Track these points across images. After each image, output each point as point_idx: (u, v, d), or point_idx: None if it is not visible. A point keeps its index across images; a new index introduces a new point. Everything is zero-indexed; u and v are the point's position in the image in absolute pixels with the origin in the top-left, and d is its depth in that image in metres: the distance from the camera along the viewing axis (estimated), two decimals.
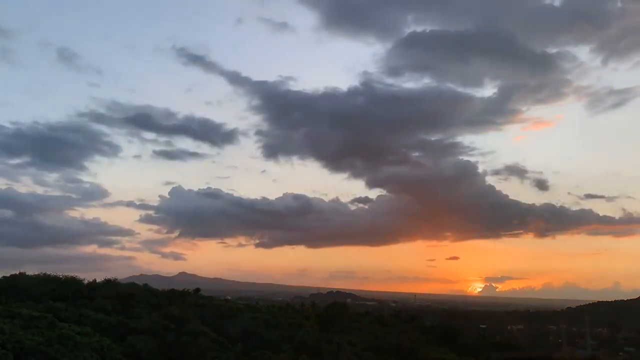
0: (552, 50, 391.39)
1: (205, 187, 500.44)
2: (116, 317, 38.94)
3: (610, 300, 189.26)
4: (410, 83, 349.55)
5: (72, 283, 48.27)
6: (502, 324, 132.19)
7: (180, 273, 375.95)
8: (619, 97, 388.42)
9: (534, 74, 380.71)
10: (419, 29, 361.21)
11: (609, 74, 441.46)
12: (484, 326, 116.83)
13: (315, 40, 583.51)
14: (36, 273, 48.85)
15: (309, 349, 40.60)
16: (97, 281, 51.75)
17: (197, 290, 58.37)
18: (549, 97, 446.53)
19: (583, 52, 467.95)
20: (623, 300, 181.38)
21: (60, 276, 49.00)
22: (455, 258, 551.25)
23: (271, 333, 44.12)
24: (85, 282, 50.26)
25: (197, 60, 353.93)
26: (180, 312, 41.32)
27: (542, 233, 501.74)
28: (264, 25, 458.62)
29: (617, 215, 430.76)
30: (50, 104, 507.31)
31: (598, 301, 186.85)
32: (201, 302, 53.20)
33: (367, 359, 44.34)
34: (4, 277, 47.40)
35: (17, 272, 48.15)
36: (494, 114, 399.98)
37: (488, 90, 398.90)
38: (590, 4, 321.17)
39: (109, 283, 52.06)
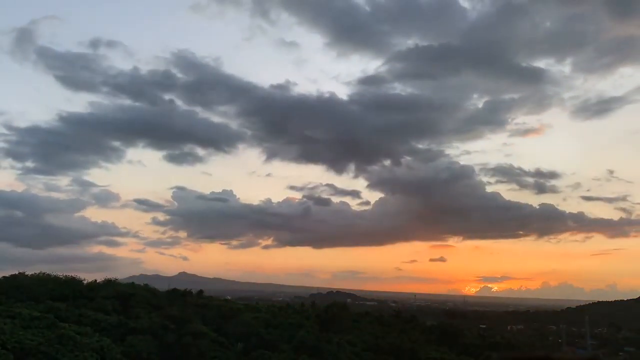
0: (542, 64, 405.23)
1: (211, 190, 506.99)
2: (116, 317, 38.95)
3: (610, 300, 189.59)
4: (406, 93, 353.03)
5: (72, 283, 48.27)
6: (502, 324, 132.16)
7: (180, 273, 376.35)
8: (602, 107, 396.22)
9: (522, 85, 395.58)
10: (414, 44, 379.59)
11: (591, 86, 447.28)
12: (484, 326, 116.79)
13: (317, 54, 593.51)
14: (36, 273, 48.95)
15: (309, 349, 40.60)
16: (97, 281, 51.79)
17: (200, 292, 58.41)
18: (537, 107, 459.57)
19: (567, 67, 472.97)
20: (623, 300, 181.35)
21: (60, 276, 49.01)
22: (443, 259, 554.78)
23: (271, 333, 44.14)
24: (85, 282, 50.28)
25: (200, 67, 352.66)
26: (181, 312, 41.32)
27: (538, 234, 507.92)
28: (271, 41, 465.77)
29: (615, 217, 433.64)
30: (49, 108, 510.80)
31: (598, 301, 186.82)
32: (201, 302, 53.26)
33: (367, 359, 44.36)
34: (4, 277, 47.41)
35: (17, 272, 48.23)
36: (486, 121, 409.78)
37: (481, 100, 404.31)
38: (574, 25, 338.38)
39: (109, 283, 52.05)
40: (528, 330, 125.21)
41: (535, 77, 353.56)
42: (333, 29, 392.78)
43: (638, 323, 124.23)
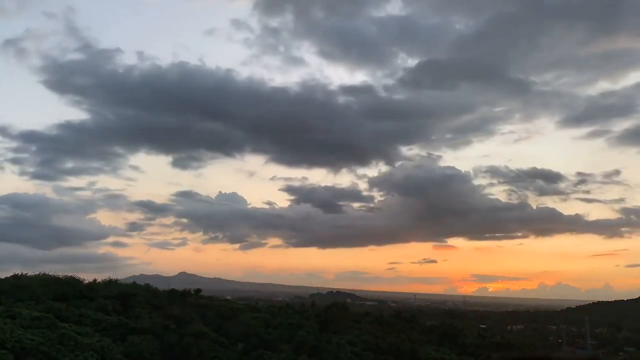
0: (531, 77, 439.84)
1: (216, 193, 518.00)
2: (116, 317, 38.96)
3: (610, 300, 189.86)
4: (404, 102, 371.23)
5: (72, 283, 48.26)
6: (502, 324, 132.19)
7: (180, 273, 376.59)
8: (592, 114, 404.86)
9: (511, 96, 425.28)
10: (412, 60, 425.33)
11: (580, 94, 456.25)
12: (484, 326, 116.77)
13: (323, 69, 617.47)
14: (36, 273, 49.02)
15: (309, 349, 40.62)
16: (97, 281, 51.80)
17: (198, 290, 58.35)
18: (530, 115, 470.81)
19: (556, 79, 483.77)
20: (623, 300, 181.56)
21: (60, 276, 49.03)
22: (442, 260, 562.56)
23: (271, 333, 44.15)
24: (85, 282, 50.31)
25: (207, 76, 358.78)
26: (181, 312, 41.33)
27: (535, 235, 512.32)
28: (279, 58, 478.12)
29: (611, 219, 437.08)
30: (52, 115, 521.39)
31: (598, 301, 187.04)
32: (202, 302, 53.22)
33: (367, 359, 44.38)
34: (4, 277, 47.48)
35: (19, 273, 48.32)
36: (480, 128, 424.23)
37: (476, 109, 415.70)
38: (556, 44, 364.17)
39: (109, 283, 52.07)
40: (528, 330, 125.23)
41: (525, 89, 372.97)
42: (338, 46, 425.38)
43: (638, 323, 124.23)
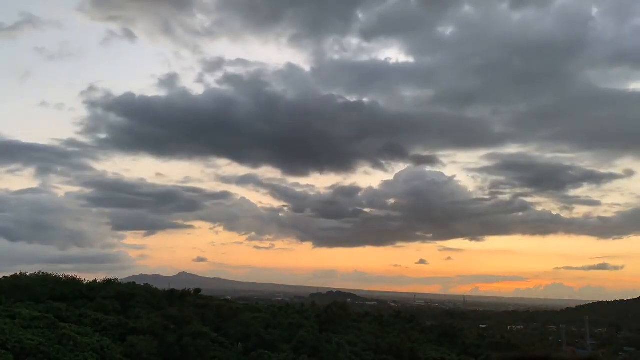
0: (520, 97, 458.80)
1: (225, 196, 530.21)
2: (116, 317, 38.95)
3: (610, 300, 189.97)
4: (405, 116, 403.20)
5: (72, 283, 48.30)
6: (502, 324, 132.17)
7: (180, 273, 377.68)
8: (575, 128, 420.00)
9: (503, 109, 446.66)
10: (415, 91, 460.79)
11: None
12: (484, 326, 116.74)
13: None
14: (35, 272, 49.00)
15: (309, 349, 40.58)
16: (97, 281, 51.86)
17: (198, 290, 58.29)
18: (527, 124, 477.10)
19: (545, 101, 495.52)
20: (623, 300, 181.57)
21: (60, 276, 49.08)
22: (441, 260, 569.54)
23: (271, 333, 44.12)
24: (85, 282, 50.35)
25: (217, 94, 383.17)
26: (180, 312, 41.30)
27: (533, 236, 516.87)
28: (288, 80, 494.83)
29: (608, 220, 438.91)
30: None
31: (598, 301, 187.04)
32: (201, 302, 53.18)
33: (367, 359, 44.36)
34: (4, 277, 47.48)
35: (18, 272, 48.31)
36: (478, 135, 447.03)
37: (473, 118, 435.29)
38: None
39: (108, 283, 52.09)
40: (528, 330, 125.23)
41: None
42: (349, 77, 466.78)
43: (638, 323, 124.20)
